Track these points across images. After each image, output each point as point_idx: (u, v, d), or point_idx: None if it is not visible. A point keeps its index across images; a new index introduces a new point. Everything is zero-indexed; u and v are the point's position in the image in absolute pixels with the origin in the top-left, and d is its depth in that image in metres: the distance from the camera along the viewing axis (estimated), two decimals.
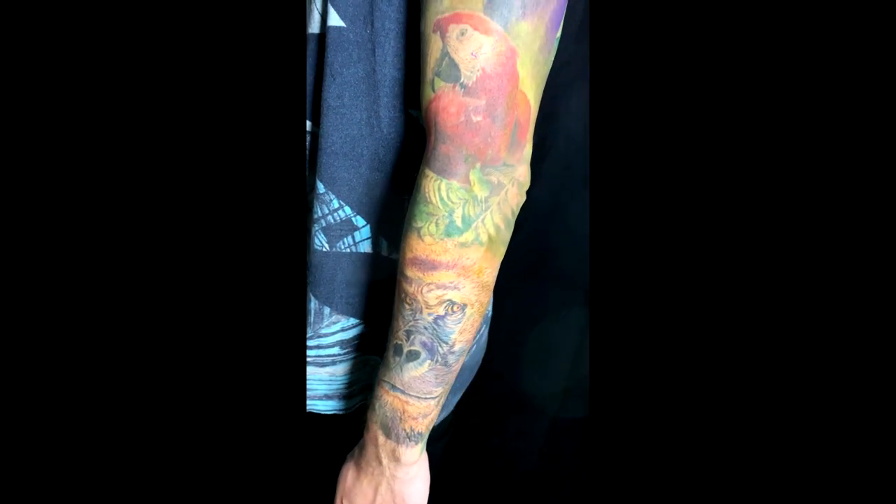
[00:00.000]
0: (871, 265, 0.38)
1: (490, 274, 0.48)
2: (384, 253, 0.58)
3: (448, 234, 0.45)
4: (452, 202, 0.45)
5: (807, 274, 0.39)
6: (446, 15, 0.44)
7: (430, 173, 0.45)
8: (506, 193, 0.46)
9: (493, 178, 0.45)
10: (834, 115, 0.38)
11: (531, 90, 0.45)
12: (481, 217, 0.46)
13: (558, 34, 0.47)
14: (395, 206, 0.57)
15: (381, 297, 0.60)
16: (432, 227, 0.46)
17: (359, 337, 0.62)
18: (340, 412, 0.64)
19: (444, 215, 0.45)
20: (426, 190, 0.45)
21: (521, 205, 0.48)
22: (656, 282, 0.42)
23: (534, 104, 0.46)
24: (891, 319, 0.38)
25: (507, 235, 0.48)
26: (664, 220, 0.42)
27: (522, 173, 0.47)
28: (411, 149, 0.55)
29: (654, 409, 0.42)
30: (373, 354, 0.63)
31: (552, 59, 0.48)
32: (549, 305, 1.45)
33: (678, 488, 0.42)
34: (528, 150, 0.47)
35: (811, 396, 0.39)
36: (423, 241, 0.46)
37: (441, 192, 0.45)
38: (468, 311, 0.48)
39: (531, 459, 1.45)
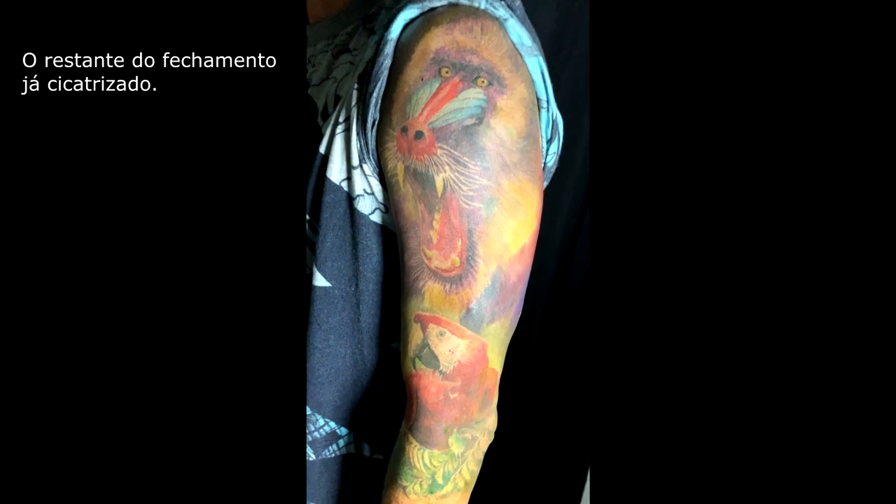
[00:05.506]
0: (867, 262, 0.40)
1: None
2: (366, 454, 0.65)
3: (431, 492, 0.54)
4: (434, 466, 0.53)
5: (802, 277, 0.41)
6: (426, 314, 0.51)
7: (414, 442, 0.53)
8: (478, 444, 0.55)
9: (468, 435, 0.54)
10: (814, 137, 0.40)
11: (498, 364, 0.54)
12: (458, 469, 0.54)
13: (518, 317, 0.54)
14: (376, 416, 0.63)
15: (361, 487, 0.67)
16: (417, 487, 0.54)
17: None
18: None
19: (427, 477, 0.54)
20: (410, 456, 0.53)
21: (490, 443, 0.56)
22: (655, 283, 0.45)
23: (499, 370, 0.54)
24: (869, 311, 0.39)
25: (477, 471, 0.57)
26: (663, 226, 0.45)
27: (492, 422, 0.55)
28: (393, 374, 0.60)
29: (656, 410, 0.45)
30: None
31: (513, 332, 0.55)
32: None
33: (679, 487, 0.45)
34: (495, 402, 0.55)
35: (808, 392, 0.41)
36: (408, 497, 0.54)
37: (424, 459, 0.53)
38: None
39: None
